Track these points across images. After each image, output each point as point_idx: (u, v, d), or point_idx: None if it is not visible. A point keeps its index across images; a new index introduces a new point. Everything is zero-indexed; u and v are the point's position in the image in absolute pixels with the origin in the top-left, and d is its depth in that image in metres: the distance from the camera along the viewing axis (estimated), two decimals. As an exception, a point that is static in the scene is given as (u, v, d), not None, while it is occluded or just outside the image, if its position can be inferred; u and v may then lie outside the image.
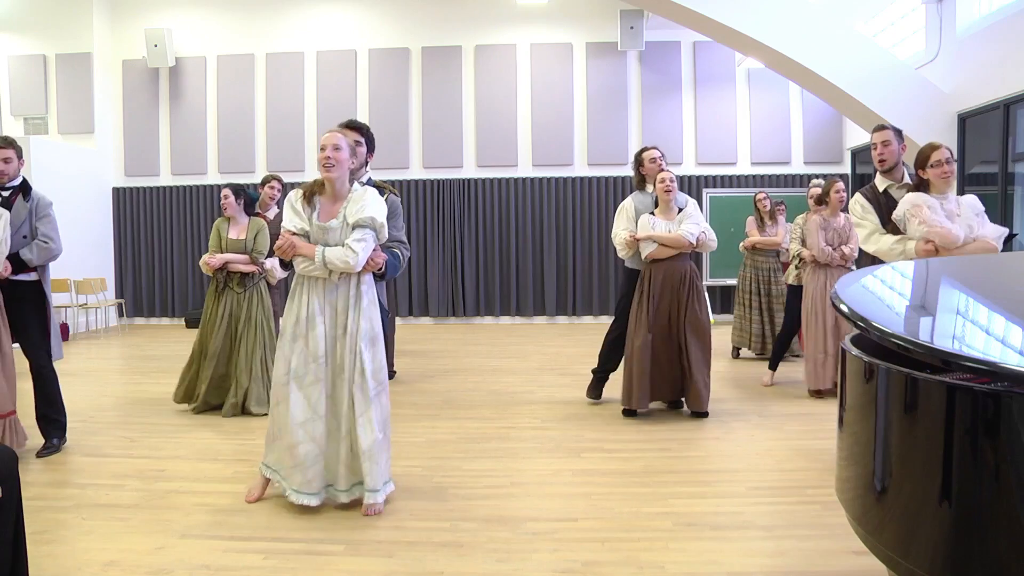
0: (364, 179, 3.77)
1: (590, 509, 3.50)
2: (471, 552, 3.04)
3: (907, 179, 4.17)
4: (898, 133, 4.23)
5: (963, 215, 3.78)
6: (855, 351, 2.01)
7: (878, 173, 4.23)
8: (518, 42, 10.96)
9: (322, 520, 3.43)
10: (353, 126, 3.70)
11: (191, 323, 10.95)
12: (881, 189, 4.17)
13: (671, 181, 5.03)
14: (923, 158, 3.85)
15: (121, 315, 11.28)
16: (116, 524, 3.35)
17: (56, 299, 9.94)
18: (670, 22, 8.92)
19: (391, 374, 6.79)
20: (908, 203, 3.80)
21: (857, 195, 4.23)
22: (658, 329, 4.99)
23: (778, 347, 6.34)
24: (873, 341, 1.91)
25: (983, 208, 3.88)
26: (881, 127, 4.26)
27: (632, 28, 10.46)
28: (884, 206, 4.10)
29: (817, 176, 8.50)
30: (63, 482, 3.93)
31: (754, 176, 10.76)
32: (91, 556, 3.00)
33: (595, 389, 5.59)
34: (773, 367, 6.28)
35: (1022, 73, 6.70)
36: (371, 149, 3.82)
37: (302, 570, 2.90)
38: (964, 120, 7.76)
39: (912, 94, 7.87)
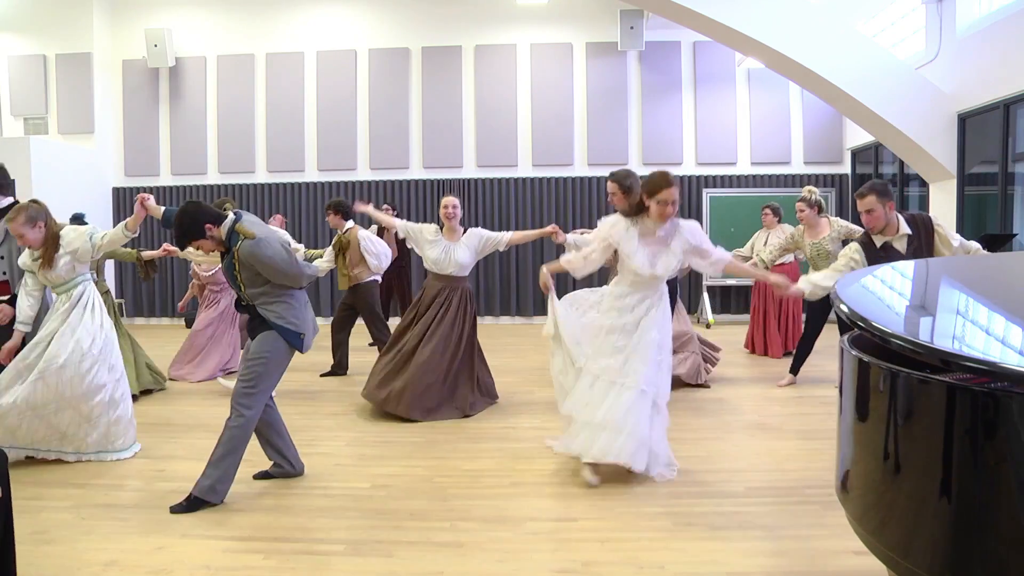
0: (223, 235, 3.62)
1: (590, 509, 3.50)
2: (471, 552, 3.04)
3: (904, 228, 4.09)
4: (882, 193, 4.05)
5: (673, 245, 3.72)
6: (855, 351, 2.01)
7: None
8: (518, 42, 10.95)
9: (322, 520, 3.43)
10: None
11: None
12: (879, 244, 4.11)
13: (454, 208, 5.34)
14: (654, 188, 3.64)
15: (121, 315, 11.26)
16: (116, 524, 3.36)
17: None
18: (670, 22, 8.90)
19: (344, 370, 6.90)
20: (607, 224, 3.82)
21: (855, 243, 4.21)
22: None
23: (801, 351, 6.27)
24: (873, 341, 1.91)
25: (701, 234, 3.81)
26: (860, 194, 4.11)
27: (632, 28, 10.45)
28: (886, 259, 4.01)
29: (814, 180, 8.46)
30: (63, 482, 3.93)
31: (754, 176, 10.75)
32: (91, 556, 3.00)
33: None
34: (795, 371, 6.22)
35: (1022, 73, 6.69)
36: (195, 238, 3.60)
37: (302, 570, 2.90)
38: (964, 120, 7.75)
39: (912, 94, 7.86)
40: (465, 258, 5.33)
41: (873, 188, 4.07)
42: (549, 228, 5.42)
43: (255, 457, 4.32)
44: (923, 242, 4.06)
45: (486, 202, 10.96)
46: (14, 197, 4.58)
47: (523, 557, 2.99)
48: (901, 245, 4.07)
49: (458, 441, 4.69)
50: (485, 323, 10.90)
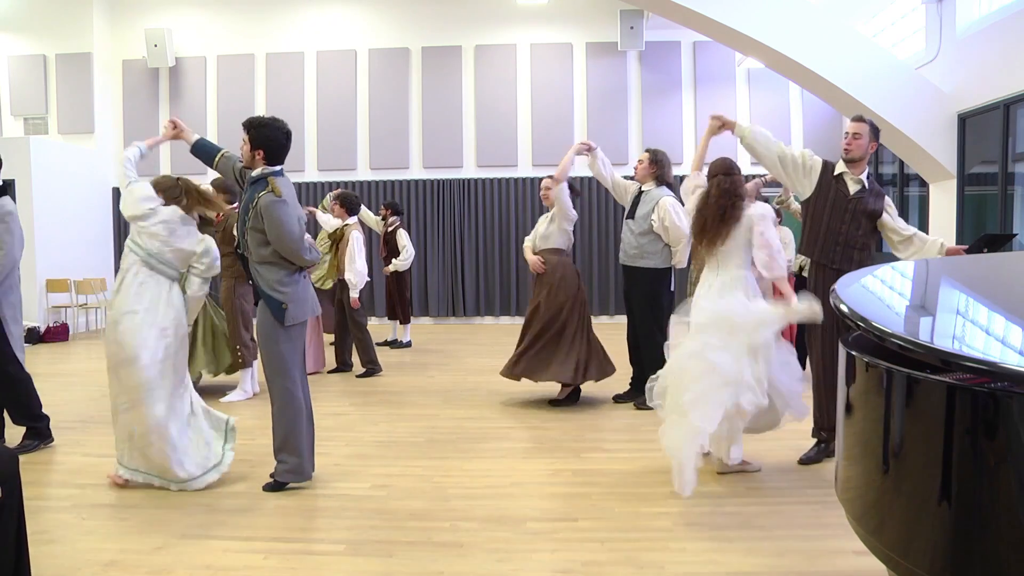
0: (256, 173, 3.69)
1: (590, 509, 3.50)
2: (471, 552, 3.04)
3: (863, 177, 4.07)
4: (875, 130, 4.15)
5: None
6: (855, 351, 2.01)
7: (841, 159, 4.17)
8: (518, 42, 10.96)
9: (322, 520, 3.43)
10: (243, 124, 3.75)
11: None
12: (837, 172, 4.12)
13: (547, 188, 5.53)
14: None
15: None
16: (116, 524, 3.36)
17: (56, 299, 9.96)
18: (670, 22, 8.91)
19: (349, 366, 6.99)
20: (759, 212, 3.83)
21: (817, 158, 4.24)
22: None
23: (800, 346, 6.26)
24: (873, 341, 1.91)
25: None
26: (859, 118, 4.20)
27: (632, 28, 10.45)
28: (833, 187, 4.06)
29: None
30: (63, 482, 3.94)
31: (754, 176, 10.73)
32: (91, 556, 3.00)
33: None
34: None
35: (1022, 73, 6.69)
36: (255, 146, 3.66)
37: (302, 570, 2.90)
38: (964, 120, 7.75)
39: (912, 94, 7.86)
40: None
41: (870, 121, 4.18)
42: (579, 145, 5.48)
43: (254, 457, 4.32)
44: (870, 203, 4.04)
45: (486, 202, 10.96)
46: (2, 183, 4.49)
47: (523, 557, 2.99)
48: (853, 187, 4.07)
49: (458, 441, 4.69)
50: (485, 323, 10.92)
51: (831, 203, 4.06)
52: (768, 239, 3.78)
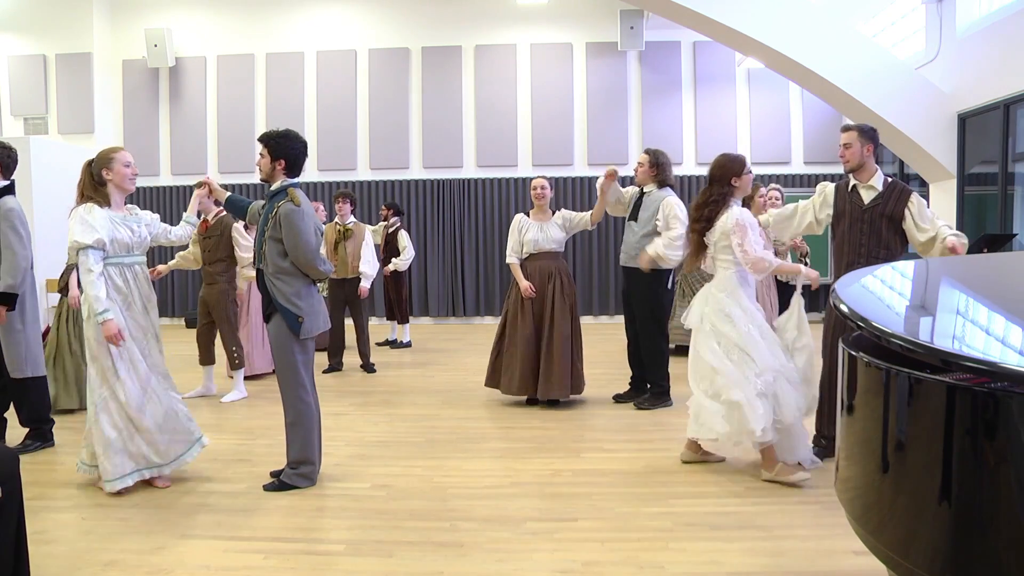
0: (276, 186, 3.77)
1: (590, 509, 3.50)
2: (471, 552, 3.04)
3: (876, 180, 4.03)
4: (866, 133, 4.07)
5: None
6: (855, 351, 2.01)
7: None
8: (518, 42, 10.96)
9: (322, 520, 3.43)
10: (260, 139, 3.85)
11: (191, 323, 10.95)
12: (851, 186, 4.13)
13: (543, 188, 5.58)
14: (741, 166, 4.10)
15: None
16: (116, 524, 3.36)
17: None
18: (670, 22, 8.91)
19: (371, 368, 7.15)
20: (733, 220, 3.91)
21: (831, 184, 4.27)
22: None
23: None
24: (872, 341, 1.91)
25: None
26: (847, 127, 4.17)
27: (632, 28, 10.45)
28: (848, 201, 4.08)
29: (818, 177, 8.47)
30: (63, 482, 3.93)
31: (754, 176, 10.74)
32: (91, 556, 3.00)
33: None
34: None
35: (1022, 73, 6.70)
36: (276, 157, 3.75)
37: (302, 570, 2.90)
38: (964, 120, 7.76)
39: (912, 94, 7.87)
40: (559, 234, 5.58)
41: (858, 126, 4.15)
42: (607, 174, 5.34)
43: (254, 457, 4.33)
44: (888, 207, 3.97)
45: (486, 202, 10.96)
46: (10, 182, 4.54)
47: (523, 557, 2.99)
48: (867, 195, 4.04)
49: (458, 441, 4.69)
50: (485, 323, 10.92)
51: (849, 218, 4.06)
52: (745, 250, 3.84)
